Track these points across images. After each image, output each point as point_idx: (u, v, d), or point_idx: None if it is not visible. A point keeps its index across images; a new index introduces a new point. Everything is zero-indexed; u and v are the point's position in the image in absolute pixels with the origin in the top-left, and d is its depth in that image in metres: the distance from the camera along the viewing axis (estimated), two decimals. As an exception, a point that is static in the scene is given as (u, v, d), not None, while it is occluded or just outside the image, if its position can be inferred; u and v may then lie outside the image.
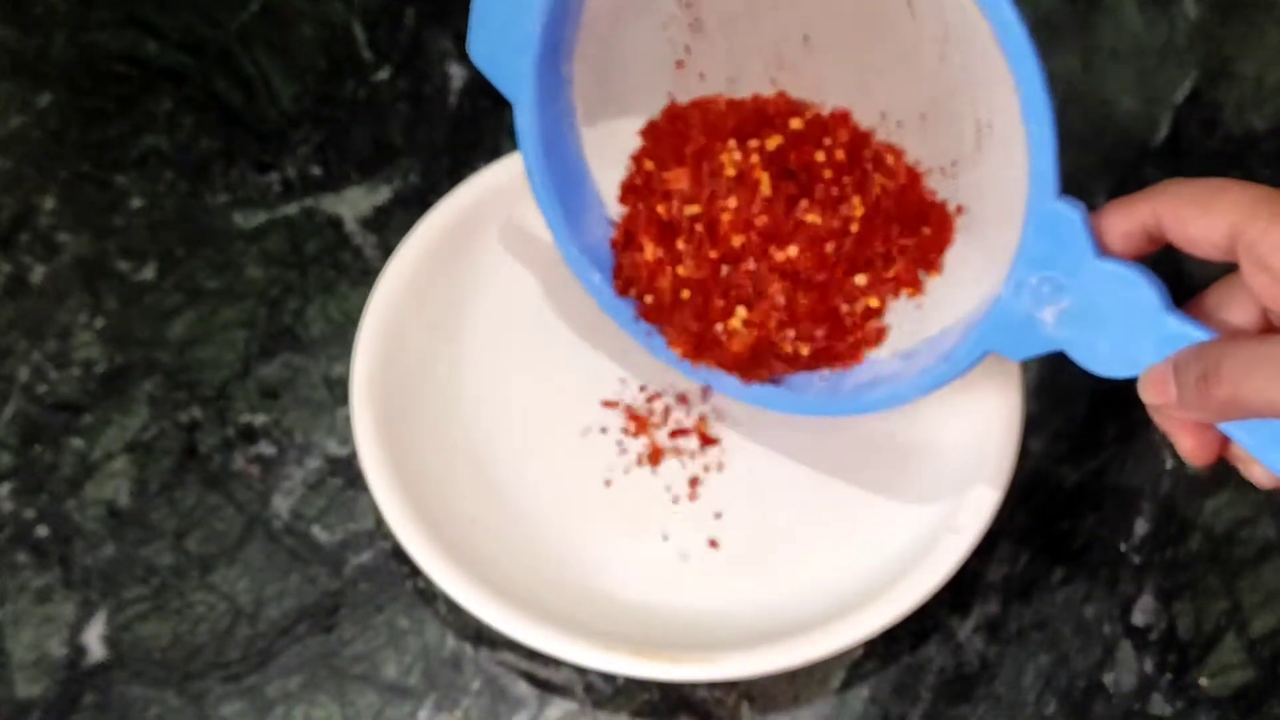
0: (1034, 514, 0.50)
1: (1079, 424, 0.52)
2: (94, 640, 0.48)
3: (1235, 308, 0.39)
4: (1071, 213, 0.38)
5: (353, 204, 0.58)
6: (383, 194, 0.58)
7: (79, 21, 0.63)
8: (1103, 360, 0.40)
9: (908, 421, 0.51)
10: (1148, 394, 0.39)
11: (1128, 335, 0.39)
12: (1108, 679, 0.47)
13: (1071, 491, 0.51)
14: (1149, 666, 0.47)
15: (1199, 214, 0.38)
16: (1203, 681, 0.47)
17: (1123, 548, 0.49)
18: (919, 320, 0.46)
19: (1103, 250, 0.39)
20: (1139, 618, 0.48)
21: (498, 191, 0.54)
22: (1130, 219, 0.39)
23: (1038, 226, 0.39)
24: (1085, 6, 0.61)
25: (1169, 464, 0.51)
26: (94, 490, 0.51)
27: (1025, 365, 0.51)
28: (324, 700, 0.47)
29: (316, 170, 0.58)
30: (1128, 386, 0.53)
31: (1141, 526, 0.50)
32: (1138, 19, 0.63)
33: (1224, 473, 0.51)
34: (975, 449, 0.49)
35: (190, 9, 0.63)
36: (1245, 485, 0.51)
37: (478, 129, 0.60)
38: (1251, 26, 0.62)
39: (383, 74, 0.61)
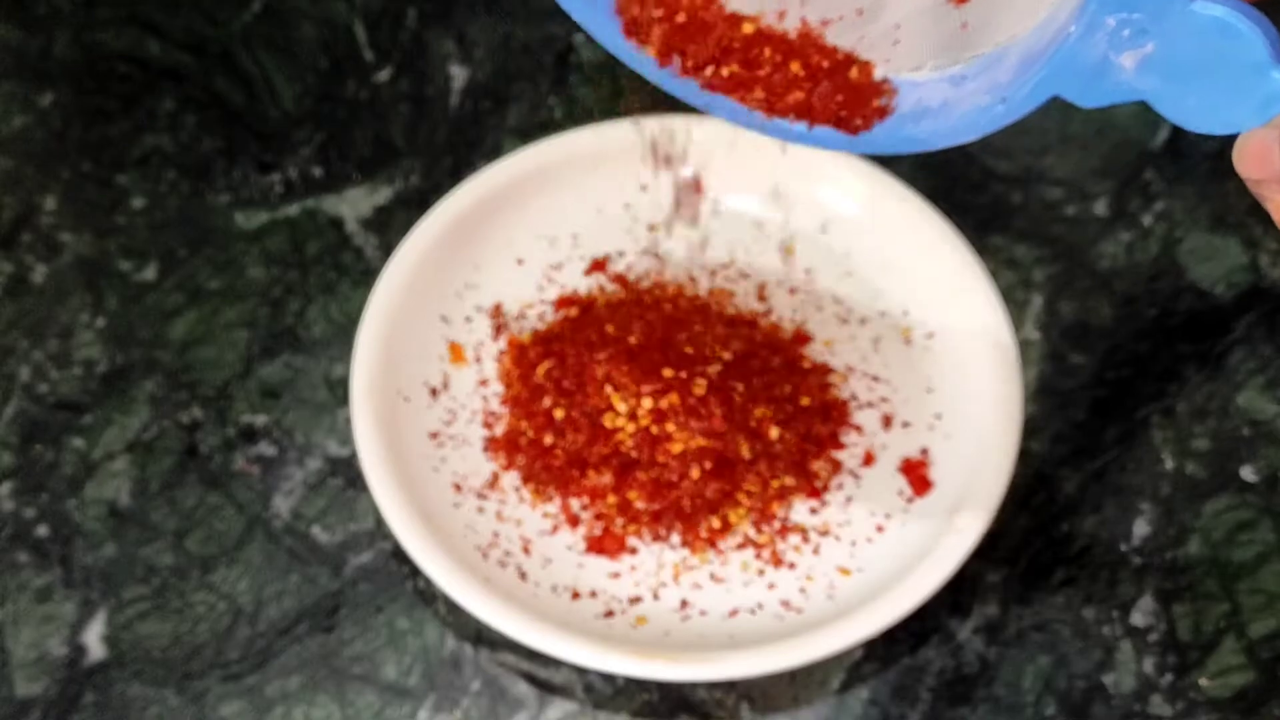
0: (1034, 516, 0.50)
1: (1079, 426, 0.52)
2: (94, 639, 0.48)
3: None
4: None
5: (354, 204, 0.58)
6: (384, 194, 0.58)
7: (82, 21, 0.63)
8: (1192, 116, 0.33)
9: (907, 421, 0.51)
10: (1245, 166, 0.33)
11: (1225, 91, 0.32)
12: (1108, 680, 0.47)
13: (1072, 493, 0.51)
14: (1149, 668, 0.47)
15: None
16: (1203, 683, 0.47)
17: (1123, 549, 0.49)
18: (965, 36, 0.38)
19: None
20: (1139, 619, 0.48)
21: (498, 191, 0.54)
22: None
23: None
24: (1086, 8, 0.61)
25: (1169, 466, 0.51)
26: (94, 490, 0.51)
27: (1025, 367, 0.51)
28: (324, 700, 0.47)
29: (318, 170, 0.59)
30: (1125, 390, 0.53)
31: (1141, 528, 0.50)
32: (1139, 21, 0.63)
33: (1224, 476, 0.51)
34: (975, 451, 0.49)
35: (192, 9, 0.63)
36: (1244, 488, 0.51)
37: (479, 129, 0.60)
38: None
39: (384, 74, 0.61)
